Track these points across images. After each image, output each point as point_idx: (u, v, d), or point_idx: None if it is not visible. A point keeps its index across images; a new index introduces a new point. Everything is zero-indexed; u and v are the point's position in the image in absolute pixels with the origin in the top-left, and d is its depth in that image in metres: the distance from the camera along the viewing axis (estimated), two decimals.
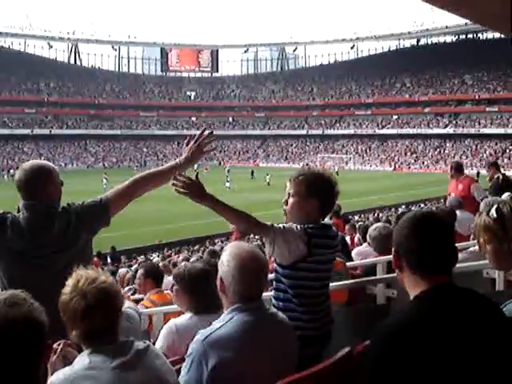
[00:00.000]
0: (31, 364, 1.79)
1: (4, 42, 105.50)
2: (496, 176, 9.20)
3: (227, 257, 2.50)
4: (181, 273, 3.47)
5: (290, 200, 3.12)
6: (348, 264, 5.24)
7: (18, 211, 3.13)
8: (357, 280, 4.64)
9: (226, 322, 2.41)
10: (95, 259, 18.39)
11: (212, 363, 2.28)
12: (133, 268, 13.80)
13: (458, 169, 9.05)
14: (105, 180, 51.53)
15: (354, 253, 6.49)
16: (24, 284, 2.85)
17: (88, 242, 3.23)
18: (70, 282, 2.16)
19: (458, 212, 6.69)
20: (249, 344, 2.38)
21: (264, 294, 2.61)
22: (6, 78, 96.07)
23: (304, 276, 2.99)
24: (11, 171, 68.72)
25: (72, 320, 2.11)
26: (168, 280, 8.65)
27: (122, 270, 10.16)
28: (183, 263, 9.73)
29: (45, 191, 3.12)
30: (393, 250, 2.03)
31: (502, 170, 9.73)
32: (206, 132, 3.57)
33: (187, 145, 3.47)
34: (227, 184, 50.53)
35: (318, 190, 3.05)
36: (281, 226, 2.98)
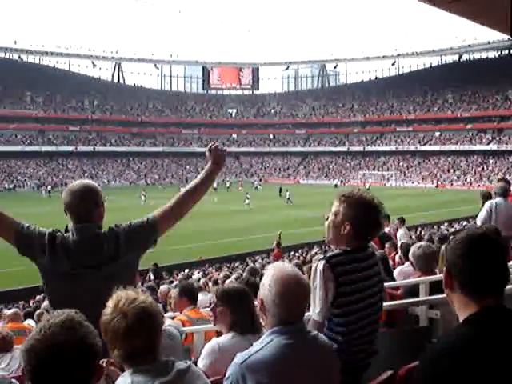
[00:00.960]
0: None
1: (49, 62, 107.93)
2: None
3: (269, 280, 2.46)
4: (224, 292, 3.46)
5: (329, 218, 3.10)
6: (389, 284, 5.17)
7: (67, 231, 3.18)
8: (397, 302, 4.56)
9: (264, 344, 2.38)
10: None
11: None
12: (173, 285, 13.85)
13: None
14: (143, 197, 52.22)
15: (395, 272, 6.41)
16: (69, 304, 2.91)
17: (135, 263, 3.28)
18: (110, 303, 2.17)
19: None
20: (287, 368, 2.33)
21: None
22: (51, 97, 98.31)
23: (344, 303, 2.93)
24: (48, 187, 70.02)
25: (113, 340, 2.12)
26: (207, 297, 8.70)
27: (163, 287, 10.21)
28: (226, 282, 9.76)
29: (94, 214, 3.18)
30: (444, 269, 2.00)
31: None
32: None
33: (210, 152, 3.61)
34: (246, 201, 50.81)
35: (353, 215, 3.00)
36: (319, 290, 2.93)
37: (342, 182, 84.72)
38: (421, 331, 4.01)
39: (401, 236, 12.12)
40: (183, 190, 3.51)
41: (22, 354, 1.79)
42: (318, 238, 25.07)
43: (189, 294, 5.42)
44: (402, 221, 12.80)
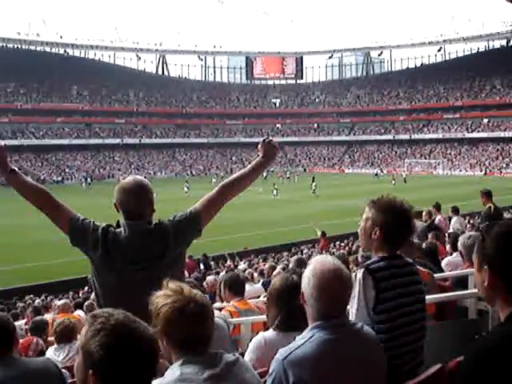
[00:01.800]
0: (148, 380, 1.81)
1: (95, 55, 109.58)
2: (488, 206, 9.63)
3: (310, 272, 2.46)
4: (272, 286, 3.45)
5: (361, 224, 3.09)
6: (437, 275, 5.10)
7: (118, 226, 3.23)
8: (446, 294, 4.50)
9: (306, 340, 2.36)
10: (188, 262, 18.88)
11: (292, 383, 2.26)
12: (220, 275, 13.94)
13: None
14: (186, 188, 52.68)
15: (443, 263, 6.33)
16: (120, 297, 2.98)
17: (182, 254, 3.34)
18: (160, 293, 2.19)
19: None
20: (329, 363, 2.32)
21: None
22: (97, 90, 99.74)
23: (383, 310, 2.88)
24: (88, 180, 71.42)
25: (167, 328, 2.12)
26: (253, 287, 8.73)
27: (209, 278, 10.27)
28: (274, 273, 9.77)
29: (146, 212, 3.23)
30: (486, 267, 1.88)
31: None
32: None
33: (262, 146, 3.57)
34: (274, 192, 50.97)
35: (382, 220, 2.97)
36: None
37: (381, 170, 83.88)
38: (470, 324, 3.96)
39: (454, 224, 11.73)
40: (226, 180, 3.52)
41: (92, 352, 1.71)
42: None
43: (235, 286, 5.46)
44: (438, 208, 12.38)
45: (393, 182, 56.33)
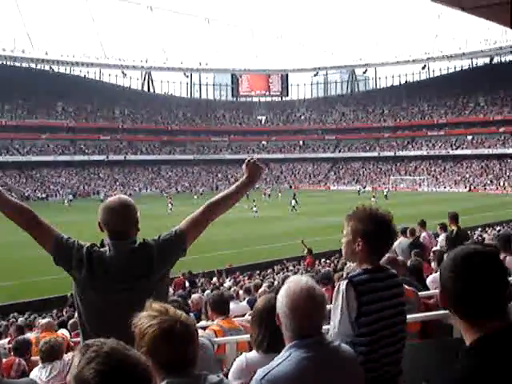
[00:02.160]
0: None
1: (80, 72, 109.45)
2: (452, 229, 9.72)
3: (283, 292, 2.47)
4: (255, 306, 3.43)
5: (342, 239, 3.11)
6: (422, 293, 5.12)
7: (102, 245, 3.22)
8: (430, 313, 4.50)
9: (283, 359, 2.37)
10: (178, 279, 18.81)
11: None
12: (205, 293, 13.88)
13: None
14: (170, 205, 52.45)
15: (428, 280, 6.34)
16: (104, 317, 2.97)
17: (166, 274, 3.32)
18: (145, 314, 2.17)
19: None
20: (307, 382, 2.32)
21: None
22: (82, 106, 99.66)
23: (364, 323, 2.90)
24: (70, 196, 71.26)
25: (151, 351, 2.12)
26: (238, 306, 8.70)
27: (194, 296, 10.22)
28: (259, 291, 9.71)
29: (131, 231, 3.23)
30: (439, 290, 1.83)
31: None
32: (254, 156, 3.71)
33: (247, 166, 3.57)
34: (254, 209, 49.12)
35: (364, 231, 2.99)
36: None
37: (364, 187, 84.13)
38: (454, 343, 3.95)
39: (441, 242, 11.73)
40: (211, 200, 3.52)
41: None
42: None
43: (219, 305, 5.47)
44: (423, 225, 12.36)
45: (373, 198, 56.26)
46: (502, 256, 5.84)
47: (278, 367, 2.34)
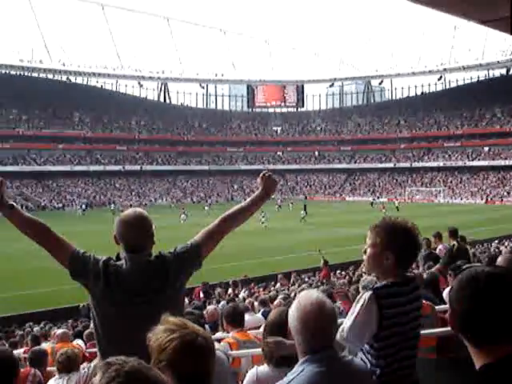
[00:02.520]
0: None
1: (97, 82, 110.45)
2: (452, 244, 9.64)
3: (294, 307, 2.46)
4: (268, 319, 3.43)
5: (367, 251, 3.02)
6: (438, 308, 5.06)
7: (118, 259, 3.24)
8: (447, 328, 4.45)
9: (297, 374, 2.36)
10: (200, 286, 18.72)
11: None
12: (220, 305, 13.83)
13: None
14: (183, 215, 52.24)
15: (445, 294, 6.27)
16: (120, 330, 2.98)
17: (182, 287, 3.34)
18: (162, 328, 2.17)
19: None
20: None
21: None
22: (99, 117, 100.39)
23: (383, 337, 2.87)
24: (83, 206, 71.55)
25: (170, 365, 2.12)
26: (253, 317, 8.67)
27: (210, 308, 10.20)
28: (275, 303, 9.65)
29: (147, 244, 3.25)
30: (449, 312, 1.75)
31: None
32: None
33: (262, 179, 3.59)
34: (263, 219, 47.23)
35: (393, 243, 2.92)
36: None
37: (377, 198, 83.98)
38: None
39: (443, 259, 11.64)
40: (227, 212, 3.53)
41: None
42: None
43: (234, 318, 5.47)
44: (439, 237, 12.21)
45: (383, 210, 55.52)
46: None
47: (292, 382, 2.34)
